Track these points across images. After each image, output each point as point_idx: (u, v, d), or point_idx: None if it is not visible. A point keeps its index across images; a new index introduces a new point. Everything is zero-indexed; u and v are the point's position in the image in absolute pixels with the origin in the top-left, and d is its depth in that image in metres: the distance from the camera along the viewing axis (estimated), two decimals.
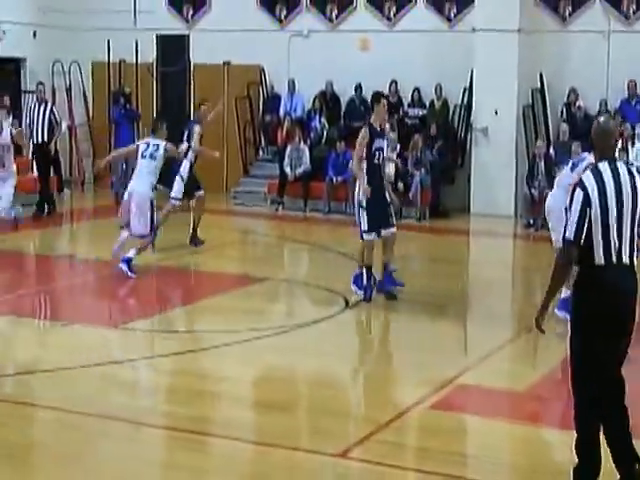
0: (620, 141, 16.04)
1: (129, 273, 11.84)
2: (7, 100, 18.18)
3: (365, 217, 10.73)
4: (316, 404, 8.11)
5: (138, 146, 12.77)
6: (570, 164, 11.03)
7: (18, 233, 15.30)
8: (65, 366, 8.49)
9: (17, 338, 9.74)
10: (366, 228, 10.75)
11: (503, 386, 8.39)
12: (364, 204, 10.69)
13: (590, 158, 10.58)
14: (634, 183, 5.65)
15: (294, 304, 11.63)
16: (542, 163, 16.41)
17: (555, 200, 10.51)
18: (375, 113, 10.91)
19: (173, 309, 11.28)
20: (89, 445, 6.93)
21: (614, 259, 5.58)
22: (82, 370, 8.42)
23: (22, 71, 20.42)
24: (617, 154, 16.18)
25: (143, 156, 12.37)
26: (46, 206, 16.94)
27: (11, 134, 13.09)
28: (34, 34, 20.15)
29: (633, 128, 16.35)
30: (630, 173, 5.71)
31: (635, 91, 17.04)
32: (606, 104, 17.10)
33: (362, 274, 10.93)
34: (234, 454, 6.84)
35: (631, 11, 17.41)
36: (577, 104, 17.26)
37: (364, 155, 10.68)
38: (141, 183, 12.29)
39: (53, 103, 17.92)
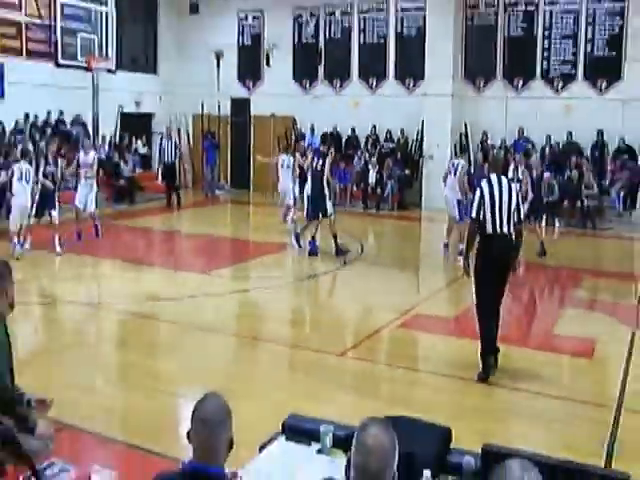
0: (513, 164, 15.69)
1: (296, 245, 11.36)
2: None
3: (329, 205, 10.91)
4: (323, 323, 7.95)
5: (278, 159, 13.26)
6: (452, 167, 11.07)
7: (150, 217, 15.17)
8: (176, 296, 8.42)
9: (145, 279, 9.62)
10: (332, 211, 10.90)
11: (442, 314, 8.21)
12: (330, 197, 11.03)
13: (462, 162, 10.91)
14: (510, 188, 5.86)
15: (311, 262, 11.25)
16: (465, 177, 15.99)
17: (448, 194, 11.32)
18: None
19: (240, 263, 11.08)
20: (191, 345, 6.78)
21: (498, 230, 5.72)
22: (186, 299, 8.32)
23: (152, 121, 20.30)
24: (512, 172, 16.01)
25: (282, 167, 13.08)
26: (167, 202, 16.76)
27: (93, 160, 11.87)
28: (159, 98, 20.05)
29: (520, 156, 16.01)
30: (509, 182, 5.99)
31: (522, 134, 16.70)
32: (505, 141, 16.78)
33: (298, 237, 11.29)
34: (274, 352, 6.70)
35: (520, 85, 17.03)
36: (487, 142, 16.95)
37: (328, 172, 11.04)
38: (286, 183, 13.09)
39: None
